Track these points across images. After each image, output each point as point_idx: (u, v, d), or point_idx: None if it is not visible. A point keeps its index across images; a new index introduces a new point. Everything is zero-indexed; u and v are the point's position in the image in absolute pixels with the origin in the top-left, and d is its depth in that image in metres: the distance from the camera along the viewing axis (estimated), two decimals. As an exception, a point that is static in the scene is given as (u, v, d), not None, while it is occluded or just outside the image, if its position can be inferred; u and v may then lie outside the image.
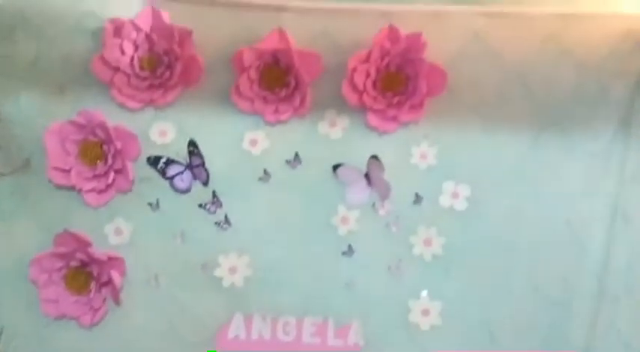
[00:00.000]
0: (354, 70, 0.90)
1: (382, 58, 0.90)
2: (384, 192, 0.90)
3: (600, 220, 0.90)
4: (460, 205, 0.90)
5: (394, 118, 0.91)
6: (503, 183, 0.90)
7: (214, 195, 0.91)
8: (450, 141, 0.91)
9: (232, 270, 0.89)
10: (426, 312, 0.88)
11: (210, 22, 0.91)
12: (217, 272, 0.89)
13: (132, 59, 0.91)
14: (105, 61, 0.91)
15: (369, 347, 0.88)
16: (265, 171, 0.91)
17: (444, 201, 0.90)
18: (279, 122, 0.92)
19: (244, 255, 0.90)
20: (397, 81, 0.90)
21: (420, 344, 0.88)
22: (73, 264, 0.87)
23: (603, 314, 0.88)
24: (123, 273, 0.88)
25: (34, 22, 0.91)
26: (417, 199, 0.90)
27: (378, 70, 0.90)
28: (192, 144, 0.90)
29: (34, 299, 0.88)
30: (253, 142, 0.92)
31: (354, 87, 0.90)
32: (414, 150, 0.91)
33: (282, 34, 0.90)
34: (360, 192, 0.91)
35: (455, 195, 0.90)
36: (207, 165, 0.91)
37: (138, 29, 0.91)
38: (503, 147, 0.91)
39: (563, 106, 0.91)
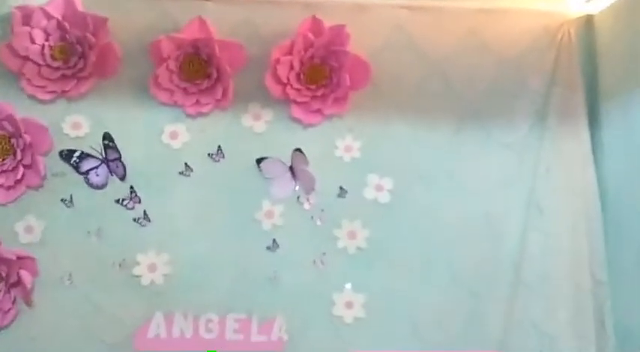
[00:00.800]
0: (278, 61, 0.88)
1: (306, 50, 0.89)
2: (309, 186, 0.89)
3: (516, 211, 0.92)
4: (384, 198, 0.90)
5: (318, 111, 0.90)
6: (425, 175, 0.91)
7: (132, 190, 0.87)
8: (374, 134, 0.91)
9: (151, 268, 0.86)
10: (349, 305, 0.88)
11: (127, 9, 0.88)
12: (136, 271, 0.86)
13: (42, 48, 0.87)
14: (13, 50, 0.86)
15: (293, 342, 0.87)
16: (186, 165, 0.88)
17: (368, 193, 0.90)
18: (201, 115, 0.89)
19: (164, 252, 0.87)
20: (321, 73, 0.90)
21: (344, 337, 0.87)
22: (-20, 265, 0.82)
23: (519, 302, 0.90)
24: (34, 273, 0.84)
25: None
26: (342, 192, 0.90)
27: (301, 62, 0.89)
28: (107, 137, 0.86)
29: None
30: (173, 135, 0.89)
31: (277, 79, 0.89)
32: (339, 142, 0.91)
33: (202, 23, 0.87)
34: (284, 186, 0.89)
35: (379, 188, 0.90)
36: (124, 159, 0.87)
37: (49, 16, 0.86)
38: (424, 140, 0.92)
39: (483, 100, 0.93)
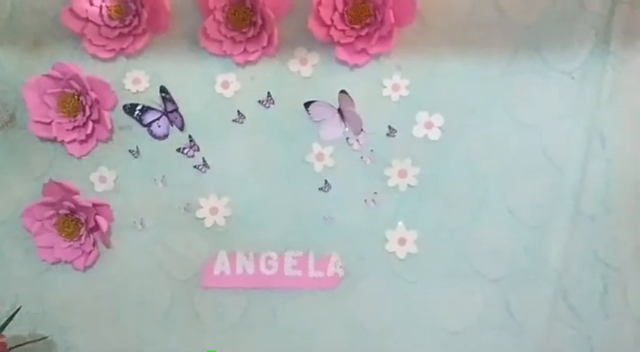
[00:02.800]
0: (320, 3, 0.89)
1: (348, -12, 0.88)
2: (357, 127, 0.90)
3: (576, 142, 0.88)
4: (434, 135, 0.90)
5: (363, 51, 0.90)
6: (478, 110, 0.90)
7: (191, 139, 0.93)
8: (423, 70, 0.90)
9: (213, 211, 0.92)
10: (402, 241, 0.90)
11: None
12: (199, 213, 0.92)
13: (100, 9, 0.92)
14: (74, 13, 0.92)
15: (348, 277, 0.90)
16: (239, 113, 0.92)
17: (418, 131, 0.90)
18: (249, 63, 0.92)
19: (224, 196, 0.92)
20: (364, 11, 0.89)
21: (397, 272, 0.90)
22: (62, 211, 0.91)
23: (580, 234, 0.88)
24: (109, 218, 0.92)
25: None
26: (391, 131, 0.90)
27: (344, 2, 0.89)
28: (163, 90, 0.91)
29: (31, 247, 0.93)
30: (225, 84, 0.92)
31: (320, 21, 0.90)
32: (386, 82, 0.91)
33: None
34: (333, 128, 0.91)
35: (428, 125, 0.90)
36: (181, 110, 0.92)
37: (102, -22, 0.91)
38: (476, 72, 0.90)
39: (538, 26, 0.89)
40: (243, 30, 0.90)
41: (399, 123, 0.90)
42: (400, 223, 0.90)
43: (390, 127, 0.90)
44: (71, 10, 0.92)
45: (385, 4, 0.87)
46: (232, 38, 0.91)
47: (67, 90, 0.92)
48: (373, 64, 0.91)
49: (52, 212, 0.92)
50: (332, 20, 0.89)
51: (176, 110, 0.92)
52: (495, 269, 0.90)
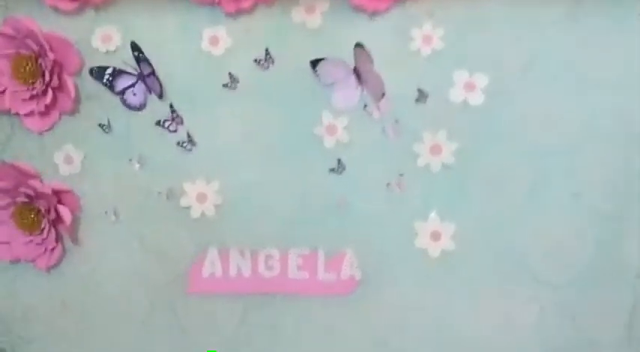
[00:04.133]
0: None
1: None
2: (378, 90, 0.71)
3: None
4: (476, 99, 0.70)
5: (386, -6, 0.70)
6: (531, 67, 0.70)
7: (172, 109, 0.75)
8: (461, 17, 0.71)
9: (201, 198, 0.75)
10: (436, 236, 0.71)
11: None
12: (184, 202, 0.75)
13: (62, -52, 0.75)
14: (29, -44, 0.75)
15: (367, 280, 0.72)
16: (231, 76, 0.74)
17: (455, 95, 0.70)
18: (242, 12, 0.73)
19: (214, 180, 0.74)
20: (386, -56, 0.69)
21: (430, 275, 0.71)
22: (19, 199, 0.75)
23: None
24: (75, 207, 0.76)
25: None
26: (421, 95, 0.71)
27: None
28: (135, 47, 0.73)
29: (-17, 243, 0.77)
30: (213, 40, 0.74)
31: (330, -43, 0.70)
32: (415, 32, 0.71)
33: None
34: (347, 93, 0.72)
35: (469, 87, 0.70)
36: (160, 73, 0.75)
37: None
38: (530, 20, 0.70)
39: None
40: (235, -29, 0.72)
41: (432, 86, 0.71)
42: (433, 213, 0.71)
43: (419, 90, 0.71)
44: (26, -47, 0.75)
45: None
46: (221, -18, 0.73)
47: (23, 51, 0.75)
48: (398, 9, 0.71)
49: (7, 200, 0.76)
50: (344, -46, 0.70)
51: (153, 73, 0.74)
52: (558, 272, 0.70)
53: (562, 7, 0.69)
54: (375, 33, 0.71)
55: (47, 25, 0.75)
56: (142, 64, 0.74)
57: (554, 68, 0.70)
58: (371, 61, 0.69)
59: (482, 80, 0.70)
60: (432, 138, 0.71)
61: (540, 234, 0.70)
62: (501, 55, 0.70)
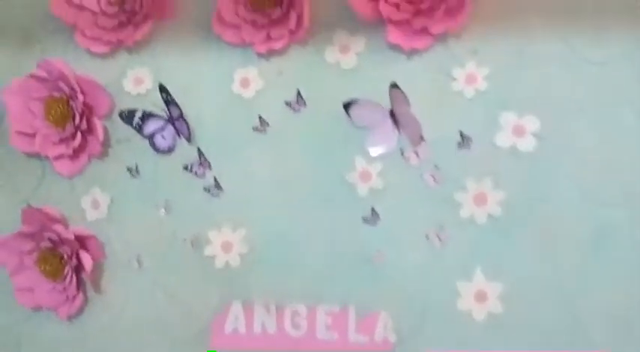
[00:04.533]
0: (364, -31, 0.66)
1: (401, -51, 0.65)
2: (416, 134, 0.65)
3: None
4: (526, 144, 0.63)
5: (424, 31, 0.65)
6: (587, 110, 0.62)
7: (200, 153, 0.72)
8: (509, 55, 0.65)
9: (226, 247, 0.70)
10: (481, 296, 0.63)
11: None
12: (208, 250, 0.70)
13: (98, -7, 0.74)
14: (67, 0, 0.75)
15: (402, 344, 0.65)
16: (261, 119, 0.70)
17: (503, 140, 0.64)
18: (274, 52, 0.70)
19: (240, 228, 0.70)
20: (426, -22, 0.65)
21: (474, 340, 0.63)
22: (44, 244, 0.73)
23: None
24: (98, 254, 0.73)
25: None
26: (464, 140, 0.65)
27: (398, -33, 0.66)
28: (162, 89, 0.71)
29: (7, 288, 0.75)
30: (244, 82, 0.71)
31: (366, -7, 0.67)
32: (457, 71, 0.66)
33: None
34: (383, 137, 0.67)
35: (518, 131, 0.63)
36: (189, 115, 0.72)
37: (99, -47, 0.73)
38: (583, 60, 0.63)
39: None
40: (267, 10, 0.69)
41: (476, 129, 0.64)
42: (478, 270, 0.63)
43: (462, 135, 0.64)
44: (63, -4, 0.75)
45: (455, -35, 0.63)
46: (253, 22, 0.70)
47: (55, 93, 0.74)
48: (438, 48, 0.66)
49: (31, 245, 0.74)
50: (382, -9, 0.66)
51: (181, 116, 0.72)
52: (621, 341, 0.60)
53: (618, 45, 0.62)
54: (413, 73, 0.66)
55: (80, 67, 0.75)
56: (170, 107, 0.72)
57: (613, 108, 0.62)
58: (407, 103, 0.64)
59: (532, 123, 0.63)
60: (476, 186, 0.64)
61: (601, 295, 0.60)
62: (554, 95, 0.63)
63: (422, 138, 0.65)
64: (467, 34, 0.65)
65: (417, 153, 0.66)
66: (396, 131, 0.66)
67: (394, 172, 0.66)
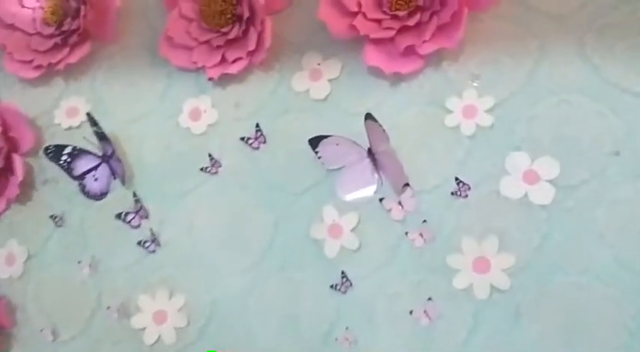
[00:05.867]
0: (338, -23, 0.54)
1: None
2: (398, 179, 0.51)
3: None
4: (541, 195, 0.48)
5: (411, 50, 0.53)
6: (623, 150, 0.48)
7: (137, 199, 0.58)
8: (517, 81, 0.51)
9: (159, 318, 0.55)
10: (481, 395, 0.47)
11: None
12: (137, 321, 0.56)
13: (33, 11, 0.64)
14: (-2, 18, 0.64)
15: None
16: (211, 158, 0.57)
17: (511, 188, 0.49)
18: (230, 79, 0.58)
19: (178, 294, 0.56)
20: (413, -13, 0.52)
21: None
22: (-57, 308, 0.59)
23: None
24: (6, 321, 0.58)
25: None
26: (461, 188, 0.50)
27: (380, -25, 0.54)
28: (92, 121, 0.58)
29: None
30: (195, 114, 0.59)
31: (340, 8, 0.54)
32: (452, 102, 0.52)
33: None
34: (359, 181, 0.53)
35: (530, 178, 0.49)
36: (126, 153, 0.59)
37: (35, -35, 0.63)
38: (619, 84, 0.49)
39: None
40: (223, 29, 0.57)
41: (476, 174, 0.50)
42: (478, 358, 0.48)
43: (458, 181, 0.50)
44: (-7, 15, 0.64)
45: (449, -28, 0.50)
46: (207, 42, 0.58)
47: (-26, 125, 0.62)
48: (429, 72, 0.53)
49: None
50: (359, 5, 0.54)
51: (114, 153, 0.59)
52: None
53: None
54: (397, 103, 0.53)
55: (10, 95, 0.63)
56: (102, 142, 0.59)
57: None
58: (386, 139, 0.50)
59: (549, 167, 0.49)
60: (476, 248, 0.49)
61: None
62: (576, 132, 0.49)
63: (407, 185, 0.51)
64: (465, 55, 0.52)
65: (400, 204, 0.51)
66: (375, 174, 0.52)
67: (372, 227, 0.52)
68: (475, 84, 0.52)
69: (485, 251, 0.49)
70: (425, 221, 0.50)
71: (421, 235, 0.51)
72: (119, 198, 0.59)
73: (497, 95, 0.51)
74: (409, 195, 0.51)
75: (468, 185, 0.50)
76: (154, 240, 0.57)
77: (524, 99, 0.50)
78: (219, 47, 0.58)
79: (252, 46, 0.56)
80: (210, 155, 0.57)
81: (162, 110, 0.60)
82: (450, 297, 0.49)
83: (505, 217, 0.49)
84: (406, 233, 0.51)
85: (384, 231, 0.51)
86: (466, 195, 0.50)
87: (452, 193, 0.50)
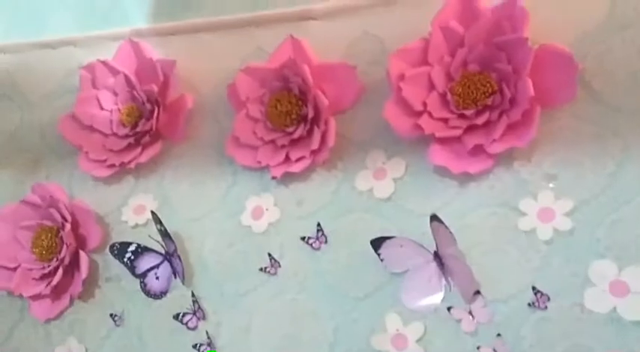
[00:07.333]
0: (402, 78, 0.53)
1: (452, 51, 0.52)
2: (468, 286, 0.47)
3: None
4: (632, 310, 0.43)
5: (480, 149, 0.50)
6: None
7: (194, 299, 0.57)
8: (599, 181, 0.47)
9: None
10: None
11: (201, 45, 0.64)
12: None
13: (111, 113, 0.67)
14: (76, 120, 0.67)
15: None
16: (271, 257, 0.55)
17: (596, 302, 0.44)
18: (293, 178, 0.57)
19: (232, 404, 0.52)
20: (483, 86, 0.51)
21: None
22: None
23: None
24: None
25: (20, 87, 0.73)
26: (539, 300, 0.46)
27: (447, 75, 0.52)
28: (156, 219, 0.58)
29: None
30: (257, 212, 0.58)
31: (405, 107, 0.53)
32: (527, 205, 0.48)
33: (295, 43, 0.58)
34: (425, 288, 0.49)
35: (619, 290, 0.44)
36: (188, 251, 0.59)
37: (115, 71, 0.66)
38: None
39: None
40: (288, 129, 0.57)
41: (556, 285, 0.46)
42: None
43: (536, 291, 0.45)
44: (73, 117, 0.67)
45: (519, 71, 0.49)
46: (272, 142, 0.58)
47: (46, 222, 0.64)
48: (499, 171, 0.50)
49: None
50: (425, 104, 0.52)
51: (175, 251, 0.58)
52: None
53: None
54: (465, 205, 0.50)
55: (83, 194, 0.65)
56: (165, 240, 0.59)
57: None
58: (453, 242, 0.47)
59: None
60: (558, 367, 0.43)
61: None
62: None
63: (478, 292, 0.47)
64: (538, 155, 0.49)
65: (471, 314, 0.47)
66: (442, 279, 0.49)
67: (439, 339, 0.48)
68: (551, 185, 0.48)
69: (570, 372, 0.43)
70: (499, 334, 0.46)
71: (495, 351, 0.46)
72: (178, 297, 0.58)
73: (577, 198, 0.47)
74: (481, 304, 0.47)
75: (547, 295, 0.45)
76: (210, 343, 0.55)
77: (607, 202, 0.46)
78: (283, 146, 0.57)
79: (315, 146, 0.55)
80: (270, 254, 0.55)
81: (225, 208, 0.59)
82: None
83: (591, 333, 0.43)
84: (478, 347, 0.46)
85: (453, 343, 0.47)
86: (545, 307, 0.45)
87: (529, 304, 0.46)
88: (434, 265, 0.49)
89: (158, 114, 0.62)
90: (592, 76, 0.48)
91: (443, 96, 0.52)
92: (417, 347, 0.48)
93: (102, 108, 0.67)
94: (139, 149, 0.64)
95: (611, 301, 0.44)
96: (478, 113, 0.51)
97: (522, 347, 0.45)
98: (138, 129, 0.64)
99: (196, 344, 0.55)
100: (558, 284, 0.45)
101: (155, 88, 0.63)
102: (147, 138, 0.63)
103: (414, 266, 0.50)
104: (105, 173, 0.64)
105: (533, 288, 0.46)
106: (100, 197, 0.65)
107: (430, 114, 0.52)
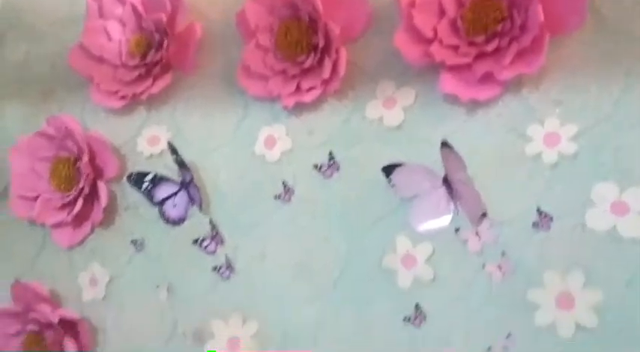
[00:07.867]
0: (413, 4, 0.53)
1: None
2: (475, 209, 0.50)
3: None
4: (631, 228, 0.45)
5: (489, 77, 0.51)
6: None
7: (213, 225, 0.59)
8: (604, 107, 0.49)
9: (233, 344, 0.56)
10: None
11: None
12: (211, 347, 0.56)
13: (120, 44, 0.67)
14: (85, 51, 0.68)
15: None
16: (284, 185, 0.57)
17: (597, 220, 0.46)
18: (305, 107, 0.58)
19: (251, 320, 0.56)
20: (492, 13, 0.51)
21: None
22: (31, 328, 0.62)
23: None
24: (87, 343, 0.61)
25: (26, 20, 0.73)
26: (543, 219, 0.48)
27: (457, 1, 0.53)
28: (173, 150, 0.60)
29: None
30: (269, 141, 0.59)
31: (416, 34, 0.54)
32: (533, 129, 0.50)
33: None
34: (434, 210, 0.52)
35: (619, 209, 0.46)
36: (203, 180, 0.61)
37: (123, 1, 0.66)
38: None
39: None
40: (299, 59, 0.58)
41: (559, 205, 0.48)
42: (562, 402, 0.45)
43: (540, 212, 0.48)
44: (82, 48, 0.68)
45: (529, -4, 0.49)
46: (283, 72, 0.59)
47: (62, 153, 0.66)
48: (509, 99, 0.51)
49: (17, 327, 0.63)
50: (435, 31, 0.53)
51: (192, 180, 0.60)
52: None
53: None
54: (474, 131, 0.52)
55: (96, 124, 0.67)
56: (182, 170, 0.60)
57: None
58: (462, 167, 0.49)
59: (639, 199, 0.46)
60: (558, 282, 0.46)
61: None
62: (671, 160, 0.46)
63: (484, 215, 0.49)
64: (546, 82, 0.50)
65: (477, 234, 0.50)
66: (450, 203, 0.51)
67: (447, 258, 0.50)
68: (557, 110, 0.49)
69: (570, 286, 0.46)
70: (504, 253, 0.48)
71: (499, 268, 0.49)
72: (196, 224, 0.60)
73: (581, 123, 0.49)
74: (487, 225, 0.49)
75: (550, 216, 0.48)
76: (229, 266, 0.58)
77: (612, 126, 0.48)
78: (294, 76, 0.58)
79: (326, 75, 0.56)
80: (283, 182, 0.57)
81: (238, 139, 0.60)
82: (531, 334, 0.46)
83: (592, 251, 0.46)
84: (483, 265, 0.49)
85: (459, 262, 0.50)
86: (548, 227, 0.48)
87: (533, 225, 0.48)
88: (442, 190, 0.51)
89: (167, 43, 0.63)
90: (602, 2, 0.48)
91: (453, 22, 0.53)
92: (425, 266, 0.51)
93: (110, 39, 0.67)
94: (150, 80, 0.64)
95: (611, 220, 0.46)
96: (488, 40, 0.51)
97: (525, 265, 0.48)
98: (148, 60, 0.64)
99: (216, 267, 0.58)
100: (562, 205, 0.48)
101: (164, 17, 0.63)
102: (157, 69, 0.64)
103: (424, 191, 0.52)
104: (117, 104, 0.65)
105: (538, 210, 0.48)
106: (113, 128, 0.66)
107: (440, 42, 0.53)
